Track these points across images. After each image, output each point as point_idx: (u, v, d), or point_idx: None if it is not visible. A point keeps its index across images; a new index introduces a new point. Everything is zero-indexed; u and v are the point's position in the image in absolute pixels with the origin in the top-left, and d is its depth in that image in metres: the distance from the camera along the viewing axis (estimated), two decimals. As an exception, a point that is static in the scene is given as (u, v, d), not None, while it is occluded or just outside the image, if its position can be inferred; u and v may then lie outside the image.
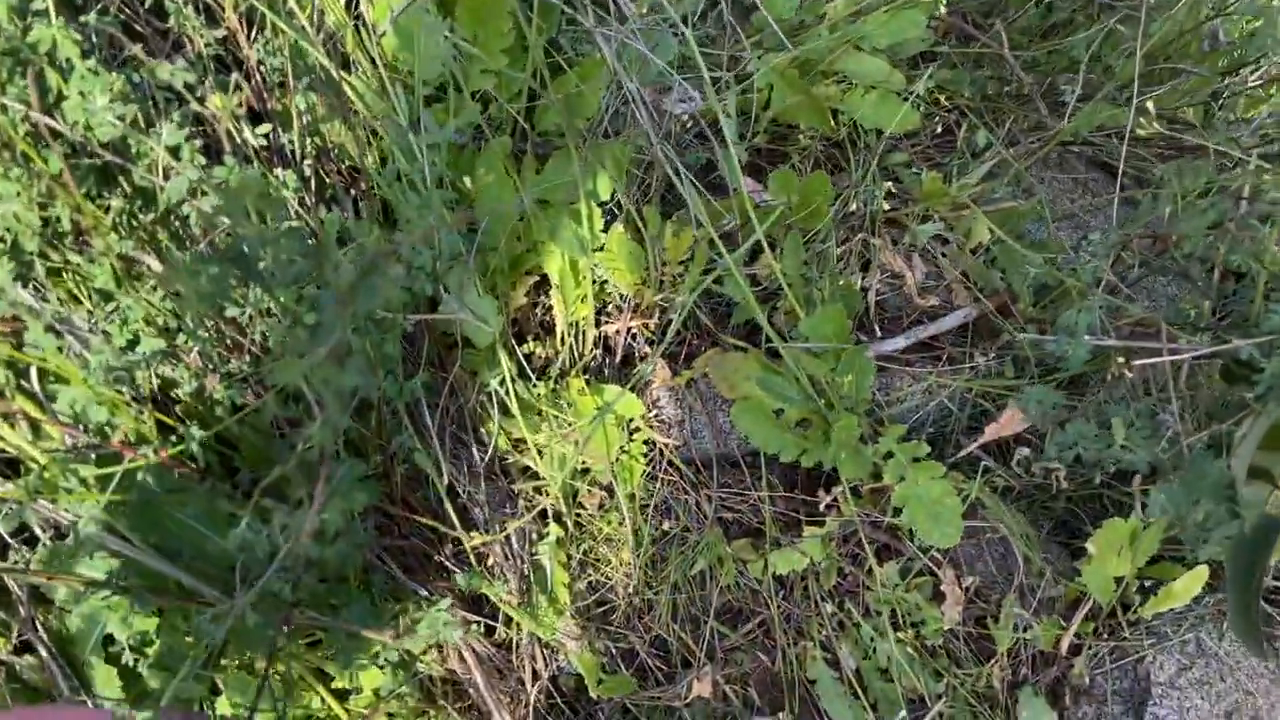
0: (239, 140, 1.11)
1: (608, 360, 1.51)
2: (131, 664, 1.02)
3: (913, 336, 1.54)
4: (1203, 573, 1.30)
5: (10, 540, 1.03)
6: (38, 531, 1.06)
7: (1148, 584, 1.40)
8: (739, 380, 1.41)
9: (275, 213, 0.95)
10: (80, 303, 1.08)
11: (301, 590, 1.05)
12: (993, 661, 1.41)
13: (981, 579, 1.45)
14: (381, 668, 1.13)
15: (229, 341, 1.07)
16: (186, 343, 1.05)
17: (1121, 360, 1.16)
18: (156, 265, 1.00)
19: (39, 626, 1.05)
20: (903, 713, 1.37)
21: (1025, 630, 1.39)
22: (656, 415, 1.48)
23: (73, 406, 0.89)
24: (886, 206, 1.52)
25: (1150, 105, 1.42)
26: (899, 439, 1.41)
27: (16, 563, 1.00)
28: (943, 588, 1.44)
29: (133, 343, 1.02)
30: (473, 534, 1.19)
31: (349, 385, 0.89)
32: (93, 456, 0.96)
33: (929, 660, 1.42)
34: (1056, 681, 1.41)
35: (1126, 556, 1.31)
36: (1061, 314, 1.41)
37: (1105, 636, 1.39)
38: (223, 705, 1.15)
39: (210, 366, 1.04)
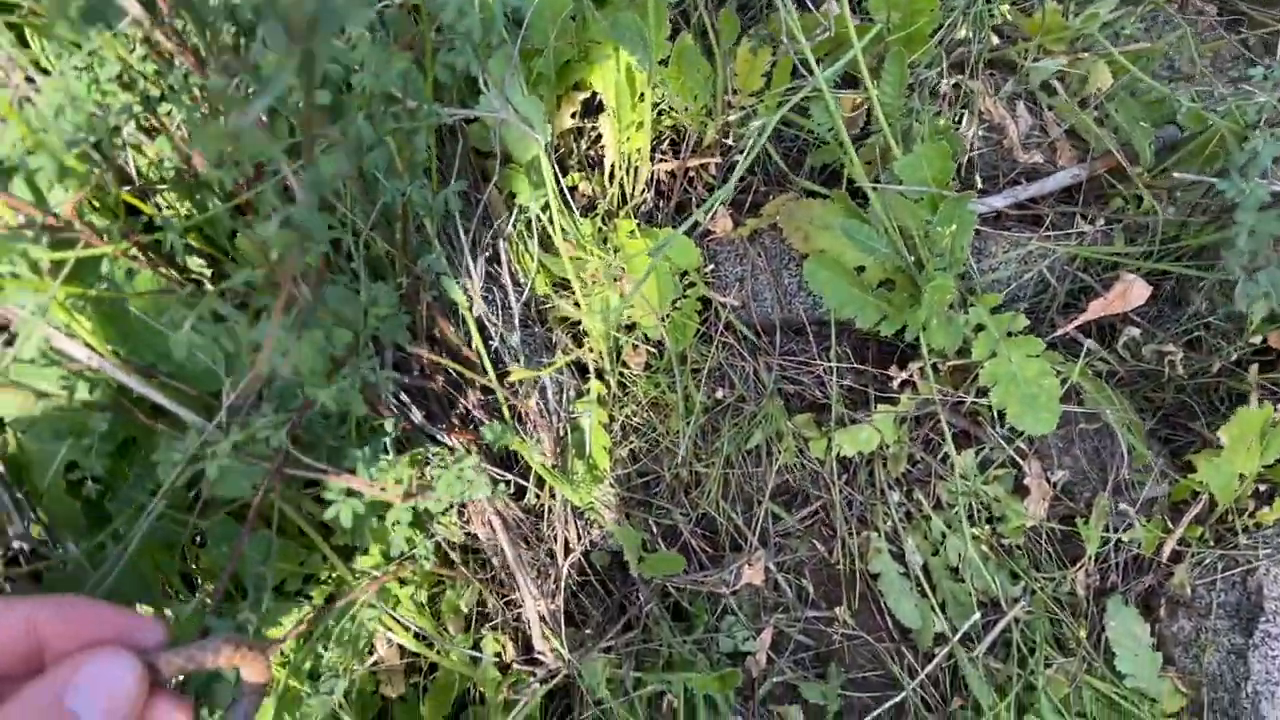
0: None
1: (660, 205, 1.31)
2: (96, 497, 0.85)
3: (1012, 196, 1.33)
4: (1341, 475, 1.13)
5: (-50, 343, 0.85)
6: (-15, 335, 0.87)
7: (1262, 488, 1.23)
8: (815, 231, 1.21)
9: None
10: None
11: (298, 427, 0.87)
12: (1078, 565, 1.25)
13: (1070, 474, 1.28)
14: (394, 525, 0.96)
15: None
16: (170, 113, 0.85)
17: (1302, 207, 0.96)
18: (135, 7, 0.79)
19: (-13, 450, 0.88)
20: (976, 615, 1.21)
21: (1123, 530, 1.22)
22: (713, 270, 1.29)
23: (12, 152, 0.69)
24: (995, 41, 1.30)
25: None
26: (992, 309, 1.22)
27: (-43, 369, 0.82)
28: (1026, 481, 1.27)
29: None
30: (512, 368, 1.01)
31: (326, 169, 0.69)
32: (46, 239, 0.77)
33: (1005, 560, 1.26)
34: (1150, 591, 1.25)
35: (1255, 451, 1.13)
36: (1187, 175, 1.21)
37: (1213, 543, 1.22)
38: (206, 558, 0.99)
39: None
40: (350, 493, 0.86)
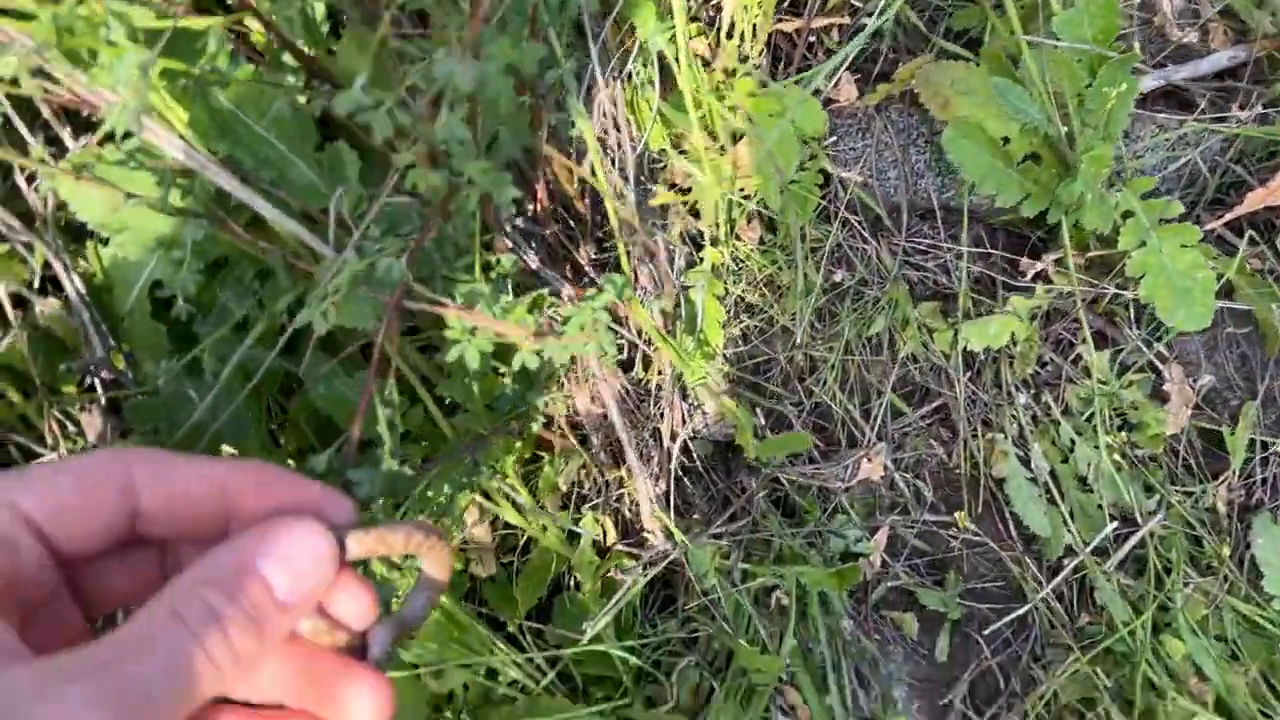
0: None
1: (778, 70, 1.20)
2: (185, 320, 0.76)
3: (1162, 78, 1.21)
4: None
5: (29, 136, 0.76)
6: (65, 136, 0.78)
7: None
8: (956, 96, 1.10)
9: None
10: None
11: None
12: (1221, 479, 1.15)
13: (1215, 381, 1.17)
14: (501, 374, 0.87)
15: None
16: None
17: None
18: None
19: (66, 263, 0.79)
20: (1110, 527, 1.11)
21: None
22: (834, 144, 1.18)
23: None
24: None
25: None
26: (1142, 195, 1.11)
27: (41, 162, 0.73)
28: (1166, 387, 1.16)
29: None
30: (656, 190, 0.91)
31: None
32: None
33: (1140, 471, 1.15)
34: (1301, 509, 1.14)
35: None
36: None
37: (1377, 459, 1.11)
38: (297, 409, 0.90)
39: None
40: (469, 330, 0.76)
